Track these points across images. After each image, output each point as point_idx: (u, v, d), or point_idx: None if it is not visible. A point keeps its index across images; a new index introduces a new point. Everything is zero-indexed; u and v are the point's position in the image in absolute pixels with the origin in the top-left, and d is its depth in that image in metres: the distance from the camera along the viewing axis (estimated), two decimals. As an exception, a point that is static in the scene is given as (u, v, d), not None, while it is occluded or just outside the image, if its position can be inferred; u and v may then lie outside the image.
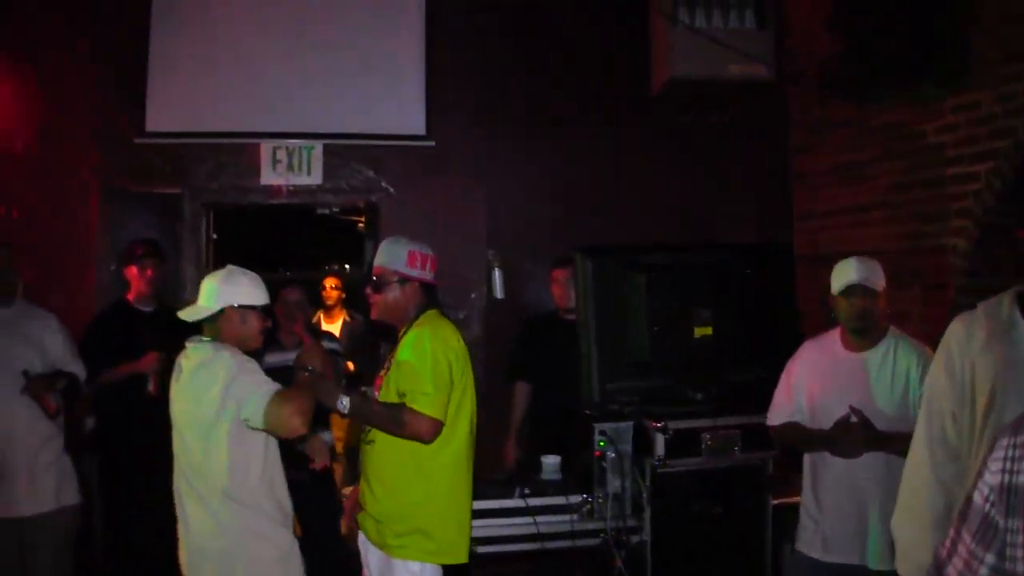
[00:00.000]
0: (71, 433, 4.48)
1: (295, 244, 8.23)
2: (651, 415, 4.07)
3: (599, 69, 6.06)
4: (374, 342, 5.66)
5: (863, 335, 3.54)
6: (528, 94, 6.06)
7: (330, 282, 7.45)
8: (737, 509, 4.18)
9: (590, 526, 4.04)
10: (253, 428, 3.11)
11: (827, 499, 3.60)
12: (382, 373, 3.58)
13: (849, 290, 3.47)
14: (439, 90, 5.93)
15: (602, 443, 4.03)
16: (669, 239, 5.48)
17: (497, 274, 5.79)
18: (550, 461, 4.34)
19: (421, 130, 5.92)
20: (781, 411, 3.78)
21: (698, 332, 4.16)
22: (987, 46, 4.39)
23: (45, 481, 4.24)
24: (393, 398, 3.38)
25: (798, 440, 3.74)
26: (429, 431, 3.29)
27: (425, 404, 3.27)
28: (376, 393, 3.55)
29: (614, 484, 4.03)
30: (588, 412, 4.11)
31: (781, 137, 5.81)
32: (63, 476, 4.33)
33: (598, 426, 4.05)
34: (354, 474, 3.85)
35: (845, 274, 3.49)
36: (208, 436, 3.13)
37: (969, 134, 4.51)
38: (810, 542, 3.64)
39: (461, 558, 3.45)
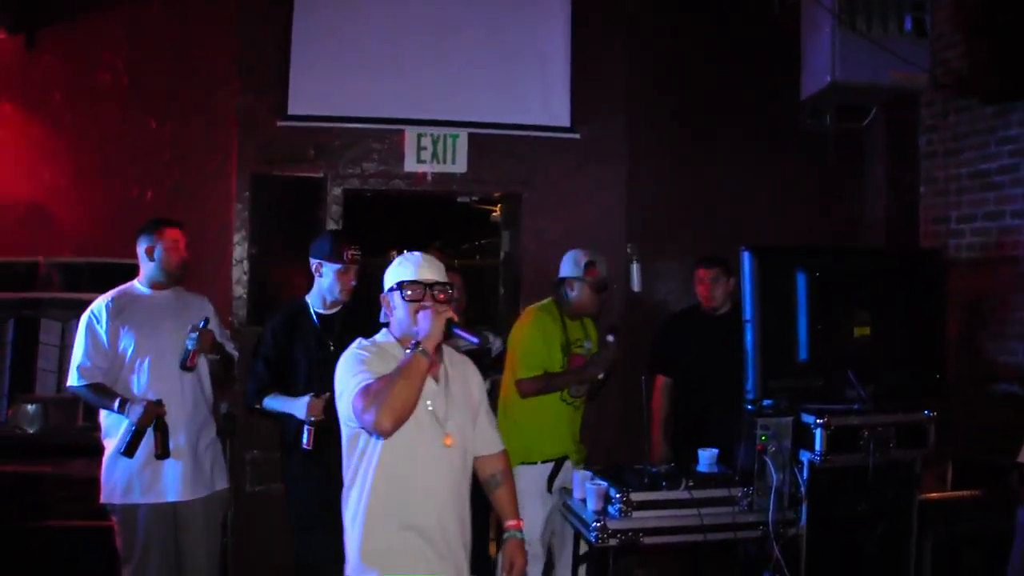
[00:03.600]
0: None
1: (429, 228, 7.93)
2: (812, 411, 4.15)
3: (746, 71, 5.99)
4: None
5: None
6: (673, 93, 6.01)
7: None
8: (887, 504, 4.27)
9: (751, 518, 4.13)
10: None
11: None
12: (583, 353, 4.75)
13: None
14: (585, 84, 5.83)
15: (764, 437, 4.12)
16: (803, 241, 5.54)
17: (635, 268, 5.75)
18: (707, 454, 4.36)
19: (566, 122, 5.80)
20: None
21: (857, 332, 4.24)
22: None
23: (203, 467, 4.30)
24: None
25: None
26: None
27: None
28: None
29: (774, 478, 4.12)
30: (750, 407, 4.18)
31: (913, 142, 5.83)
32: (216, 461, 4.41)
33: (761, 421, 4.13)
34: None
35: None
36: None
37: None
38: None
39: None
